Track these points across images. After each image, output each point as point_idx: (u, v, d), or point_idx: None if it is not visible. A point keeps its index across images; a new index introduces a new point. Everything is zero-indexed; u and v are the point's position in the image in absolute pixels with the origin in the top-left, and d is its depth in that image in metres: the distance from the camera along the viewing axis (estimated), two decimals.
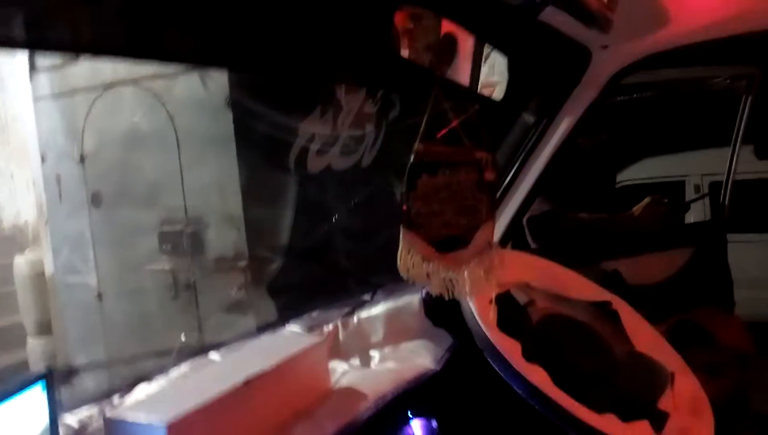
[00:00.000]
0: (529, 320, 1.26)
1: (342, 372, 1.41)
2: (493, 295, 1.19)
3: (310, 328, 1.51)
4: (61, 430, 0.98)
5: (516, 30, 1.35)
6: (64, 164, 3.74)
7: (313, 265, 3.20)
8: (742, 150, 2.41)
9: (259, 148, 3.20)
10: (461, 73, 1.42)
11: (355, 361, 1.47)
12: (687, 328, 1.91)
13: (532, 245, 2.11)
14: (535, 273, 1.37)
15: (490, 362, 1.12)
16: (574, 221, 2.19)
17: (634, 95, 2.56)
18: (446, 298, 1.09)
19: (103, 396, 1.15)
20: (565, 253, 1.74)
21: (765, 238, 3.78)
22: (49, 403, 0.90)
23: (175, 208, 3.39)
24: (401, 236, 1.06)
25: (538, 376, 1.08)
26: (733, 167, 2.39)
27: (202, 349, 1.39)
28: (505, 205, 1.71)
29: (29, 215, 5.12)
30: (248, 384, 1.09)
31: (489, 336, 1.13)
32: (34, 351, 4.34)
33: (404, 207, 1.05)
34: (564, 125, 1.66)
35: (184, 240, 3.38)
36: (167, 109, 3.34)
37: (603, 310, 1.35)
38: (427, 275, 1.07)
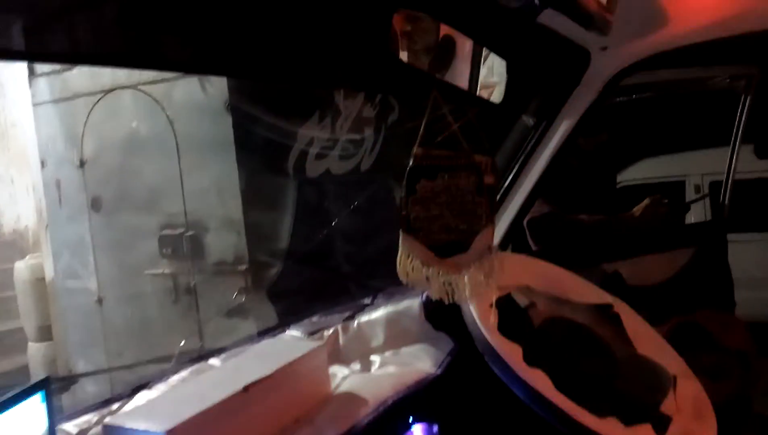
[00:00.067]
0: (530, 324, 1.26)
1: (342, 377, 1.40)
2: (494, 299, 1.19)
3: (311, 333, 1.50)
4: None
5: (514, 33, 1.35)
6: (64, 169, 3.74)
7: (313, 269, 3.20)
8: (742, 149, 2.41)
9: (259, 152, 3.20)
10: (460, 76, 1.42)
11: (356, 366, 1.47)
12: (688, 329, 1.90)
13: (533, 247, 2.10)
14: (535, 276, 1.37)
15: (491, 366, 1.11)
16: (574, 223, 2.18)
17: (634, 96, 2.56)
18: (446, 302, 1.09)
19: (102, 403, 1.14)
20: (566, 255, 1.74)
21: (765, 238, 3.77)
22: (47, 411, 0.90)
23: (175, 213, 3.39)
24: (400, 241, 1.06)
25: (539, 380, 1.07)
26: (733, 167, 2.39)
27: (202, 355, 1.38)
28: (505, 207, 1.70)
29: (29, 220, 5.13)
30: (248, 390, 1.09)
31: (490, 340, 1.12)
32: (35, 356, 4.33)
33: (403, 211, 1.05)
34: (563, 127, 1.66)
35: (184, 244, 3.38)
36: (167, 113, 3.34)
37: (604, 312, 1.35)
38: (427, 280, 1.07)
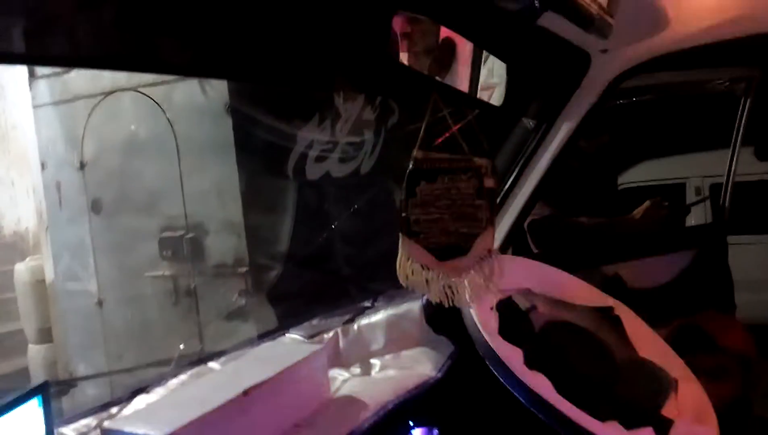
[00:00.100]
0: (531, 327, 1.25)
1: (342, 380, 1.40)
2: (495, 302, 1.18)
3: (310, 336, 1.50)
4: None
5: (514, 36, 1.34)
6: (65, 171, 3.74)
7: (313, 271, 3.20)
8: (743, 151, 2.40)
9: (259, 154, 3.20)
10: (460, 79, 1.42)
11: (356, 369, 1.46)
12: (689, 332, 1.90)
13: (534, 250, 2.10)
14: (536, 279, 1.37)
15: (492, 370, 1.11)
16: (574, 225, 2.18)
17: (634, 98, 2.56)
18: (446, 305, 1.08)
19: (101, 407, 1.14)
20: (567, 258, 1.74)
21: (766, 240, 3.77)
22: (45, 416, 0.89)
23: (176, 215, 3.39)
24: (400, 244, 1.06)
25: (540, 383, 1.07)
26: (733, 169, 2.39)
27: (201, 359, 1.38)
28: (505, 210, 1.70)
29: (30, 222, 5.13)
30: (248, 394, 1.08)
31: (490, 343, 1.12)
32: (35, 358, 4.33)
33: (403, 214, 1.05)
34: (564, 130, 1.65)
35: (184, 246, 3.38)
36: (167, 115, 3.34)
37: (605, 315, 1.34)
38: (427, 283, 1.07)
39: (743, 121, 2.36)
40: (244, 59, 0.99)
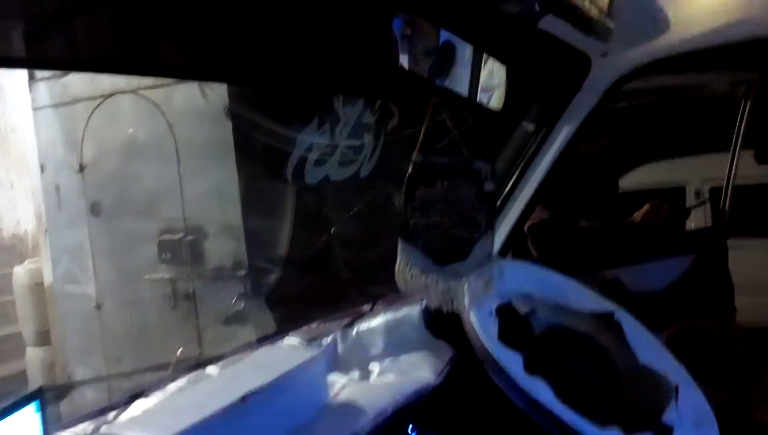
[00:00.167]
0: (530, 332, 1.25)
1: (341, 385, 1.39)
2: (494, 307, 1.18)
3: (309, 340, 1.49)
4: None
5: (515, 39, 1.34)
6: (64, 174, 3.74)
7: (312, 275, 3.19)
8: (743, 155, 2.40)
9: (259, 157, 3.20)
10: (460, 83, 1.41)
11: (355, 374, 1.45)
12: (689, 336, 1.90)
13: (534, 254, 2.10)
14: (536, 283, 1.36)
15: (491, 375, 1.10)
16: (574, 229, 2.18)
17: (634, 101, 2.56)
18: (445, 310, 1.08)
19: (98, 412, 1.13)
20: (567, 262, 1.73)
21: (766, 244, 3.76)
22: (41, 421, 0.89)
23: (175, 218, 3.39)
24: (399, 248, 1.05)
25: (540, 389, 1.06)
26: (733, 172, 2.39)
27: (199, 363, 1.37)
28: (505, 213, 1.69)
29: (29, 225, 5.13)
30: (245, 400, 1.08)
31: (490, 348, 1.11)
32: (33, 361, 4.32)
33: (402, 218, 1.04)
34: (564, 133, 1.65)
35: (183, 249, 3.38)
36: (167, 118, 3.34)
37: (606, 321, 1.34)
38: (426, 287, 1.06)
39: (743, 125, 2.36)
40: (244, 62, 0.99)
